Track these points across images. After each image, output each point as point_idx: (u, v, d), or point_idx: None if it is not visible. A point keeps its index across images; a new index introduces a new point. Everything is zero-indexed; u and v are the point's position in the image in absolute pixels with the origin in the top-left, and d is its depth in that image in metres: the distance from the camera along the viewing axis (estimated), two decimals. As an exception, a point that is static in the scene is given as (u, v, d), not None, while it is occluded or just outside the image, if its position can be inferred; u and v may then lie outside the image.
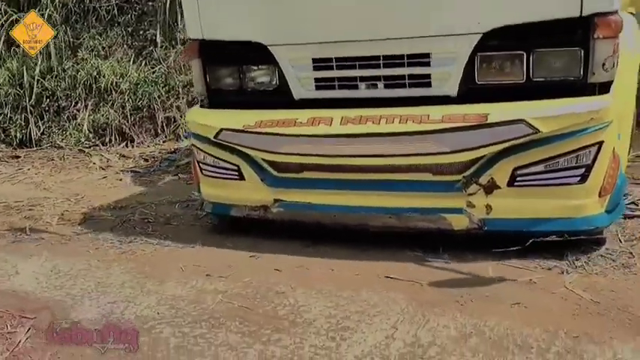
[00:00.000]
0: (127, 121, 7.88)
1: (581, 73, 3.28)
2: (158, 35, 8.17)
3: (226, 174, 4.01)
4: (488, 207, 3.46)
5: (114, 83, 8.00)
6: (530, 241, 3.38)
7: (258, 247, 3.88)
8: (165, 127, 7.80)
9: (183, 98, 7.83)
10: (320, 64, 3.71)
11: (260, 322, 2.96)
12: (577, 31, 3.24)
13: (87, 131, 8.00)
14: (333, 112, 3.65)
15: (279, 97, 3.85)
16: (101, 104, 8.09)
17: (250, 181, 3.94)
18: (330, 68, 3.70)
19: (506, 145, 3.31)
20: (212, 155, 4.03)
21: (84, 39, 8.51)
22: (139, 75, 8.01)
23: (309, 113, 3.69)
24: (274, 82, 3.88)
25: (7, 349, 2.87)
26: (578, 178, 3.31)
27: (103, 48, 8.47)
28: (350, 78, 3.68)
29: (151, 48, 8.24)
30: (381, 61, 3.58)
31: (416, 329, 2.77)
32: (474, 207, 3.48)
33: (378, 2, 3.49)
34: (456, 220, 3.53)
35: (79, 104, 8.25)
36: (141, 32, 8.41)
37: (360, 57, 3.62)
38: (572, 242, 3.40)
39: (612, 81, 3.31)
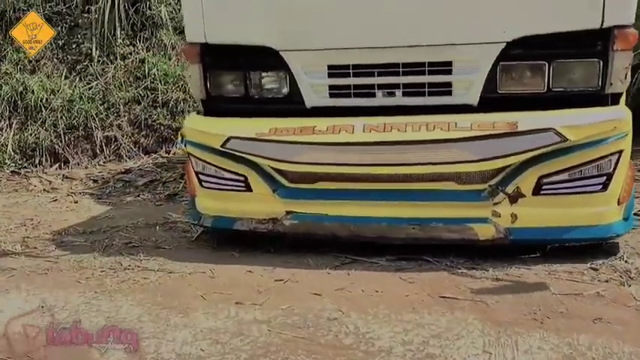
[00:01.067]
0: (61, 141, 7.26)
1: (600, 83, 3.37)
2: (94, 49, 7.65)
3: (231, 185, 3.74)
4: (514, 216, 3.44)
5: (44, 100, 7.38)
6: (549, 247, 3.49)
7: (279, 270, 3.55)
8: (104, 147, 7.25)
9: (124, 116, 7.34)
10: (335, 71, 3.57)
11: (329, 354, 2.62)
12: (597, 43, 3.34)
13: (11, 152, 7.31)
14: (353, 119, 3.51)
15: (289, 104, 3.67)
16: (29, 122, 7.42)
17: (259, 192, 3.69)
18: (347, 75, 3.56)
19: (535, 153, 3.32)
20: (214, 165, 3.74)
21: (7, 52, 7.82)
22: (73, 91, 7.43)
23: (327, 121, 3.52)
24: (284, 89, 3.68)
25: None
26: (600, 186, 3.38)
27: (30, 62, 7.82)
28: (367, 85, 3.57)
29: (86, 62, 7.69)
30: (400, 69, 3.51)
31: (512, 352, 2.57)
32: (499, 216, 3.45)
33: (400, 8, 3.41)
34: (483, 230, 3.47)
35: (2, 122, 7.53)
36: (74, 46, 7.82)
37: (378, 64, 3.52)
38: (606, 252, 3.51)
39: (623, 92, 3.43)
